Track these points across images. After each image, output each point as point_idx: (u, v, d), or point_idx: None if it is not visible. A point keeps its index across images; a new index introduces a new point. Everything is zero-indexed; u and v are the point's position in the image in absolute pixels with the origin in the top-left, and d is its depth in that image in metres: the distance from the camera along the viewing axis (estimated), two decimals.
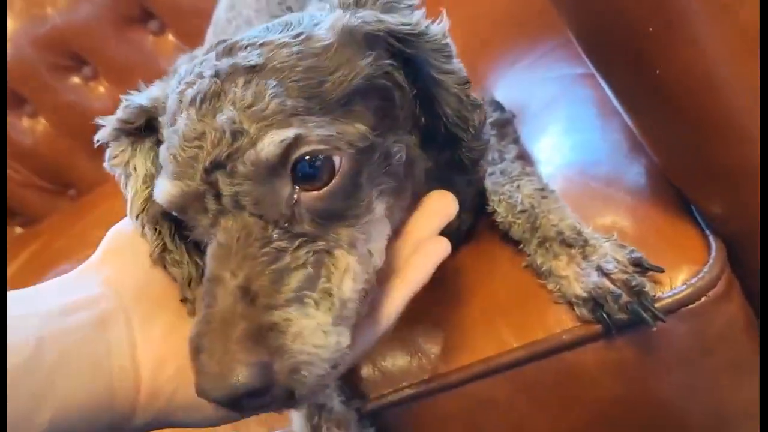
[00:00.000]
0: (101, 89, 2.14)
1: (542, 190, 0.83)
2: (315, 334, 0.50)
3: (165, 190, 0.55)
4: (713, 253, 0.73)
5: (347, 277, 0.54)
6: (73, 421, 0.45)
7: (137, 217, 0.61)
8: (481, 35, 1.32)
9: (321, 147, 0.53)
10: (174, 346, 0.51)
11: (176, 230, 0.61)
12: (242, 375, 0.45)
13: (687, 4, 0.57)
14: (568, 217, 0.79)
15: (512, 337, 0.78)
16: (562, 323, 0.76)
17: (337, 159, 0.55)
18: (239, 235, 0.52)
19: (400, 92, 0.64)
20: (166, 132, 0.58)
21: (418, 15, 0.64)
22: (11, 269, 1.91)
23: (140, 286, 0.53)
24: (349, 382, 0.85)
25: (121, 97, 0.66)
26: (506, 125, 0.95)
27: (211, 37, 1.22)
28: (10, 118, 2.18)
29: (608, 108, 0.99)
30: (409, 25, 0.61)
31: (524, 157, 0.92)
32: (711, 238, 0.75)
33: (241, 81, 0.55)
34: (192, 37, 2.00)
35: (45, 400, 0.43)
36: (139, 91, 0.68)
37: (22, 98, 2.17)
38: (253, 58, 0.56)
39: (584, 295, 0.73)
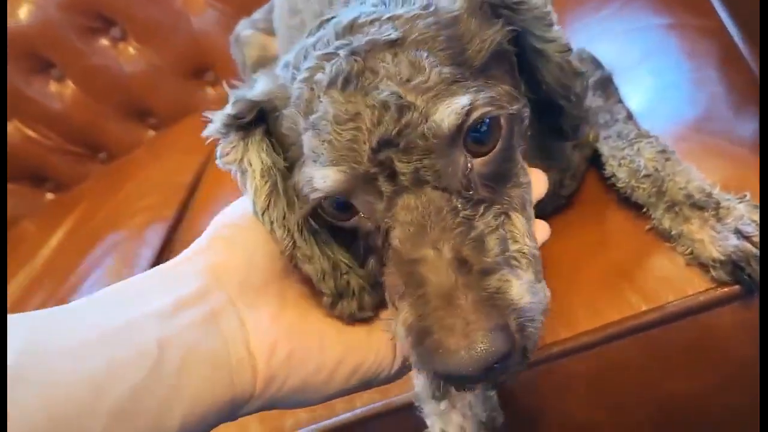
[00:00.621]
0: (131, 50, 2.10)
1: (664, 152, 0.80)
2: (529, 292, 0.50)
3: (330, 177, 0.53)
4: None
5: (527, 236, 0.55)
6: (200, 418, 0.45)
7: (263, 213, 0.58)
8: None
9: (489, 109, 0.52)
10: (282, 331, 0.51)
11: (304, 224, 0.59)
12: (490, 342, 0.45)
13: None
14: (695, 179, 0.77)
15: (641, 300, 0.77)
16: (694, 285, 0.75)
17: (501, 122, 0.54)
18: (428, 210, 0.51)
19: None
20: (302, 122, 0.55)
21: None
22: (57, 235, 1.88)
23: (242, 274, 0.52)
24: None
25: (230, 92, 0.62)
26: (608, 84, 0.92)
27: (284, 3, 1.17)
28: (38, 84, 2.14)
29: (703, 60, 0.97)
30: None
31: (632, 117, 0.89)
32: None
33: (388, 56, 0.53)
34: None
35: (174, 403, 0.43)
36: (244, 83, 0.65)
37: (48, 62, 2.13)
38: (389, 32, 0.54)
39: (723, 258, 0.71)
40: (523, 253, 0.53)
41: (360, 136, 0.51)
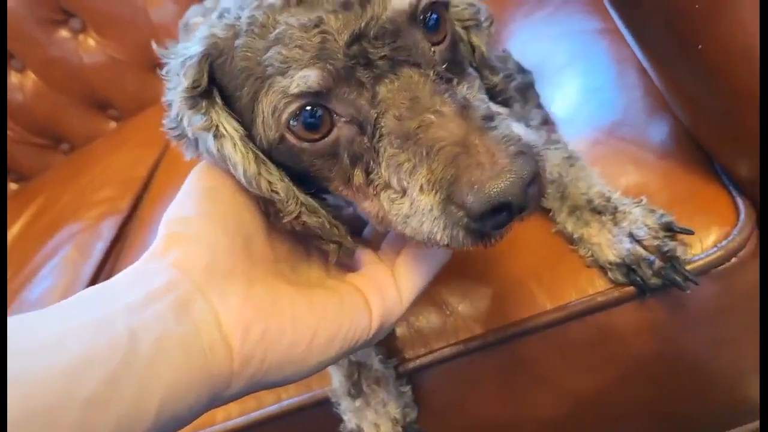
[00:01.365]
0: (90, 42, 2.10)
1: (569, 158, 0.84)
2: (529, 132, 0.53)
3: (309, 76, 0.54)
4: (742, 215, 0.76)
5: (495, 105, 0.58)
6: (178, 402, 0.46)
7: (255, 178, 0.59)
8: None
9: None
10: (253, 311, 0.52)
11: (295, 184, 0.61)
12: (520, 165, 0.48)
13: None
14: (596, 184, 0.81)
15: (546, 299, 0.81)
16: (595, 285, 0.79)
17: (444, 13, 0.59)
18: (411, 84, 0.54)
19: None
20: (261, 43, 0.56)
21: None
22: (17, 226, 1.90)
23: (207, 264, 0.53)
24: (387, 342, 0.87)
25: (165, 53, 0.65)
26: (528, 89, 0.96)
27: None
28: None
29: (627, 65, 1.01)
30: None
31: (548, 122, 0.93)
32: (738, 200, 0.77)
33: None
34: None
35: (150, 388, 0.44)
36: (168, 47, 0.67)
37: (9, 53, 2.12)
38: None
39: (617, 260, 0.76)
40: (503, 111, 0.56)
41: (329, 37, 0.54)
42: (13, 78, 2.17)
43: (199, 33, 0.62)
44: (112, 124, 2.25)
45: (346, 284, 0.59)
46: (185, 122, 0.61)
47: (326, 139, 0.57)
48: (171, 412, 0.45)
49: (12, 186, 2.36)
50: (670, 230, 0.75)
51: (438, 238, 0.52)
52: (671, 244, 0.74)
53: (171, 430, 0.47)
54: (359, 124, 0.56)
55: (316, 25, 0.54)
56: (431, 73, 0.55)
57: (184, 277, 0.51)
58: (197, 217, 0.56)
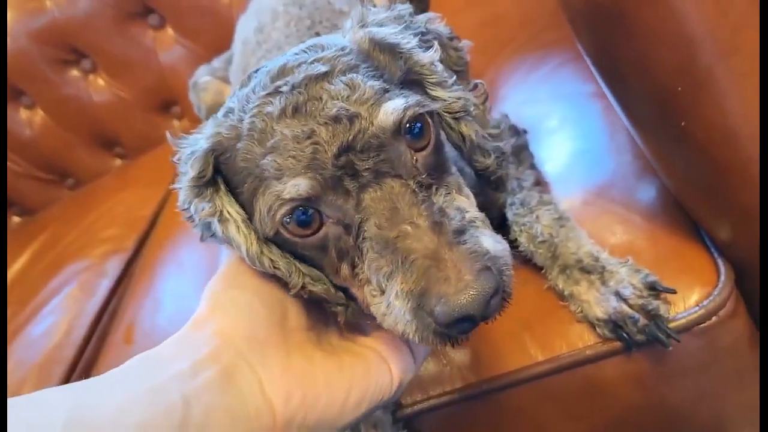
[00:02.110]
0: (100, 82, 2.16)
1: (560, 219, 0.90)
2: (496, 242, 0.59)
3: (301, 184, 0.59)
4: (722, 276, 0.81)
5: (474, 207, 0.65)
6: None
7: (259, 257, 0.64)
8: (502, 37, 1.38)
9: (419, 108, 0.62)
10: (293, 378, 0.57)
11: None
12: (483, 282, 0.54)
13: (713, 69, 0.64)
14: (585, 245, 0.86)
15: (538, 351, 0.85)
16: (584, 339, 0.83)
17: (428, 120, 0.64)
18: (393, 195, 0.59)
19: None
20: (258, 150, 0.62)
21: (408, 38, 0.69)
22: (22, 259, 1.94)
23: (248, 333, 0.58)
24: None
25: (176, 142, 0.69)
26: (522, 150, 1.02)
27: (239, 56, 1.26)
28: (8, 111, 2.20)
29: (618, 128, 1.06)
30: (398, 44, 0.68)
31: (541, 182, 0.99)
32: (719, 261, 0.82)
33: (324, 84, 0.62)
34: (191, 32, 2.05)
35: None
36: (180, 137, 0.71)
37: (19, 90, 2.19)
38: (319, 68, 0.63)
39: (604, 317, 0.81)
40: (477, 218, 0.62)
41: (320, 148, 0.59)
42: (22, 114, 2.23)
43: (207, 129, 0.68)
44: (118, 162, 2.31)
45: (367, 348, 0.64)
46: (192, 209, 0.67)
47: (316, 235, 0.63)
48: None
49: (15, 219, 2.41)
50: (655, 289, 0.80)
51: (411, 337, 0.58)
52: (655, 303, 0.79)
53: None
54: (345, 226, 0.62)
55: (309, 137, 0.60)
56: (412, 182, 0.61)
57: (227, 346, 0.55)
58: (238, 290, 0.62)
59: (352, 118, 0.59)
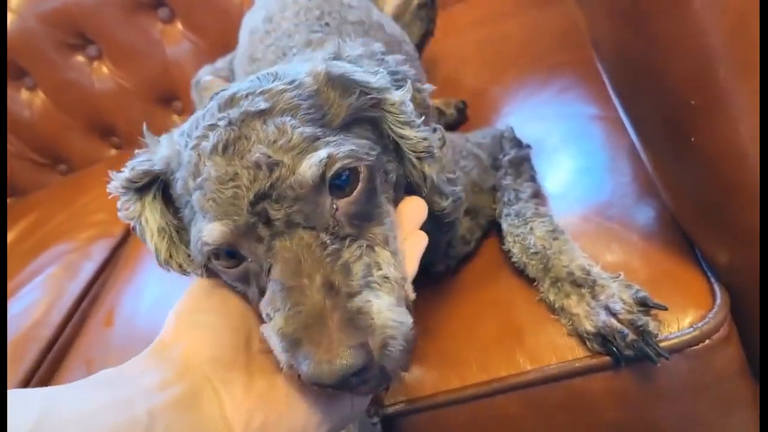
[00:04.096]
0: (104, 70, 2.16)
1: (553, 231, 0.90)
2: (391, 312, 0.58)
3: (215, 230, 0.62)
4: (718, 299, 0.80)
5: (392, 265, 0.63)
6: None
7: (167, 263, 0.74)
8: (507, 56, 1.39)
9: (348, 160, 0.62)
10: (254, 401, 0.57)
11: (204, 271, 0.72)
12: (349, 357, 0.53)
13: (730, 84, 0.64)
14: (577, 258, 0.86)
15: (527, 361, 0.84)
16: (575, 352, 0.82)
17: (360, 170, 0.64)
18: (301, 247, 0.60)
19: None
20: (191, 183, 0.65)
21: (380, 75, 0.70)
22: (7, 238, 1.92)
23: (213, 356, 0.58)
24: None
25: (131, 158, 0.75)
26: (523, 162, 1.02)
27: (245, 45, 1.26)
28: (9, 91, 2.19)
29: (619, 151, 1.07)
30: (369, 83, 0.69)
31: (539, 195, 0.99)
32: (716, 285, 0.82)
33: (258, 123, 0.63)
34: (200, 29, 2.05)
35: None
36: (147, 148, 0.76)
37: (22, 70, 2.18)
38: (260, 103, 0.64)
39: (593, 331, 0.80)
40: (386, 278, 0.61)
41: (240, 192, 0.60)
42: (23, 95, 2.22)
43: (163, 145, 0.73)
44: (113, 152, 2.29)
45: None
46: (119, 204, 0.74)
47: (238, 268, 0.65)
48: None
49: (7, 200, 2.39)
50: (645, 305, 0.80)
51: (285, 371, 0.59)
52: (644, 318, 0.78)
53: None
54: (261, 265, 0.63)
55: (231, 179, 0.61)
56: (324, 234, 0.61)
57: (193, 368, 0.56)
58: (203, 313, 0.63)
59: (272, 165, 0.60)
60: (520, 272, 0.92)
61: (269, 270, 0.61)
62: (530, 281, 0.90)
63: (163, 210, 0.73)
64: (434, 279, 0.97)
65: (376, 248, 0.63)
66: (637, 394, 0.81)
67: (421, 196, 0.75)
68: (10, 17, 2.08)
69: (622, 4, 0.67)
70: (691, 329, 0.79)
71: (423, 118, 0.72)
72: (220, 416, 0.54)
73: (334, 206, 0.62)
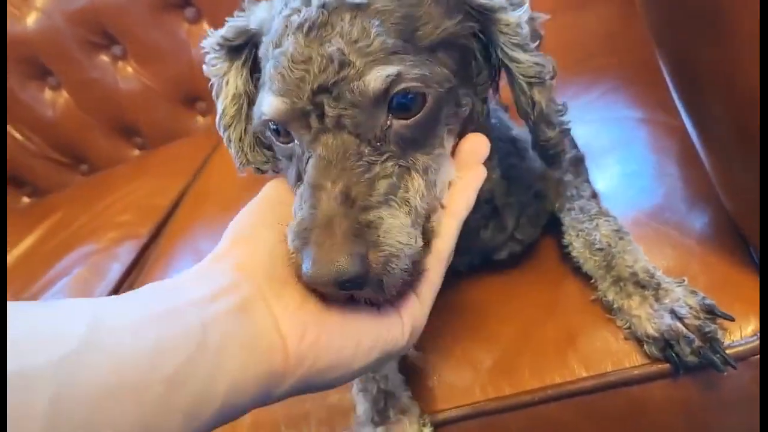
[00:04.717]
0: (129, 69, 2.16)
1: (618, 231, 0.88)
2: (401, 232, 0.57)
3: (273, 105, 0.63)
4: None
5: (420, 194, 0.62)
6: (239, 393, 0.50)
7: (225, 130, 0.78)
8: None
9: (416, 84, 0.61)
10: (308, 317, 0.56)
11: (256, 141, 0.79)
12: (346, 263, 0.53)
13: None
14: (641, 260, 0.84)
15: (582, 367, 0.82)
16: (631, 358, 0.80)
17: (428, 97, 0.63)
18: (339, 150, 0.60)
19: (476, 59, 0.71)
20: (271, 51, 0.65)
21: None
22: (31, 238, 1.91)
23: (267, 269, 0.57)
24: (415, 391, 0.88)
25: (228, 20, 0.76)
26: (579, 163, 1.00)
27: None
28: (33, 89, 2.19)
29: (666, 155, 1.05)
30: (486, 2, 0.67)
31: (596, 197, 0.97)
32: None
33: (347, 16, 0.61)
34: None
35: (218, 377, 0.48)
36: (244, 11, 0.76)
37: (47, 70, 2.17)
38: None
39: (656, 335, 0.78)
40: (407, 201, 0.60)
41: (307, 77, 0.60)
42: (47, 94, 2.21)
43: (261, 8, 0.73)
44: (136, 152, 2.29)
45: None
46: (208, 59, 0.77)
47: (288, 145, 0.67)
48: (233, 400, 0.49)
49: (25, 200, 2.38)
50: (712, 313, 0.78)
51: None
52: (712, 326, 0.76)
53: (230, 418, 0.50)
54: (302, 151, 0.63)
55: (304, 62, 0.61)
56: (365, 145, 0.60)
57: (245, 279, 0.55)
58: (262, 227, 0.62)
59: (343, 63, 0.60)
60: (574, 271, 0.90)
61: (307, 161, 0.62)
62: (585, 281, 0.88)
63: (246, 78, 0.75)
64: (496, 268, 0.96)
65: (412, 173, 0.62)
66: (699, 403, 0.79)
67: (527, 124, 0.74)
68: (35, 15, 2.08)
69: (697, 10, 0.66)
70: (754, 337, 0.77)
71: (537, 43, 0.70)
72: (274, 330, 0.53)
73: (388, 123, 0.62)
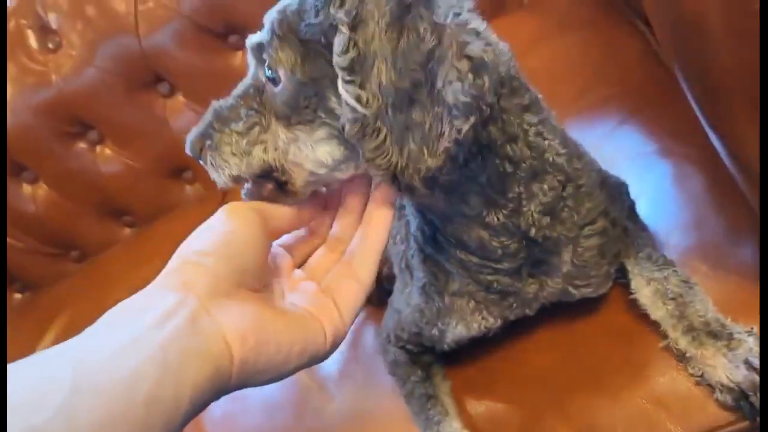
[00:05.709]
0: (108, 152, 2.11)
1: (687, 281, 0.91)
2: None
3: None
4: None
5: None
6: (199, 397, 0.57)
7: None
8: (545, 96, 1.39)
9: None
10: (247, 325, 0.63)
11: None
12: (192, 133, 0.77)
13: None
14: (711, 310, 0.88)
15: (679, 428, 0.86)
16: (726, 415, 0.84)
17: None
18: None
19: None
20: None
21: None
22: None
23: (210, 286, 0.64)
24: None
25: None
26: (634, 210, 1.03)
27: None
28: (10, 187, 2.12)
29: (694, 187, 1.08)
30: None
31: (657, 244, 1.00)
32: None
33: None
34: (203, 98, 2.00)
35: (182, 389, 0.55)
36: None
37: (21, 166, 2.12)
38: None
39: (731, 385, 0.82)
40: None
41: None
42: (24, 189, 2.16)
43: None
44: (127, 231, 2.25)
45: (301, 308, 0.72)
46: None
47: None
48: (196, 402, 0.57)
49: (17, 296, 2.32)
50: None
51: None
52: None
53: (194, 416, 0.58)
54: None
55: None
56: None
57: (192, 294, 0.62)
58: (209, 254, 0.68)
59: None
60: (640, 320, 0.93)
61: None
62: (654, 328, 0.91)
63: None
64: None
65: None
66: None
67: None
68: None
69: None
70: None
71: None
72: (220, 335, 0.61)
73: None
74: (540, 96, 0.80)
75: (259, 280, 0.71)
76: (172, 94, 2.04)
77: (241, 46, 1.95)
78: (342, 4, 0.63)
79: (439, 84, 0.60)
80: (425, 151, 0.63)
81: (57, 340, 1.76)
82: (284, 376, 0.68)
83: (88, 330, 0.58)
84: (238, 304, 0.65)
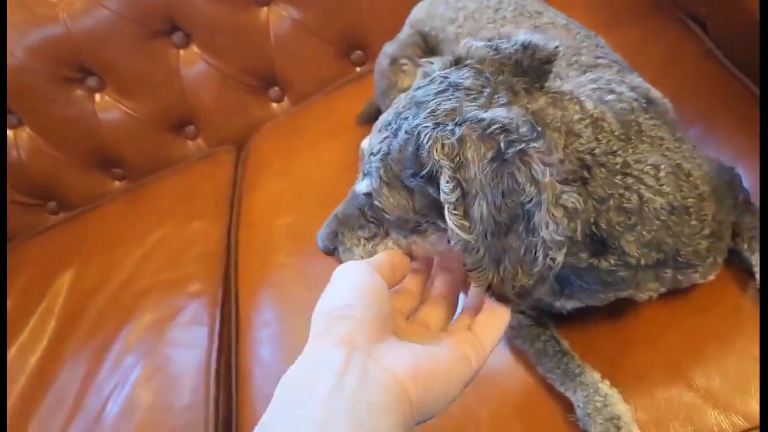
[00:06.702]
0: (107, 100, 2.01)
1: None
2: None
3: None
4: None
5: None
6: None
7: None
8: None
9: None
10: (410, 363, 0.66)
11: None
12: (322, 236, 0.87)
13: None
14: None
15: None
16: None
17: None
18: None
19: None
20: None
21: None
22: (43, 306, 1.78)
23: (365, 334, 0.66)
24: None
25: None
26: (747, 202, 1.03)
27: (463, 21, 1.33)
28: None
29: None
30: None
31: None
32: None
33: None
34: (220, 52, 1.97)
35: None
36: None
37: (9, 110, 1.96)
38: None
39: None
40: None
41: None
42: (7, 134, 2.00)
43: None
44: (116, 184, 2.14)
45: (446, 336, 0.75)
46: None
47: None
48: None
49: None
50: None
51: None
52: None
53: None
54: None
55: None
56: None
57: (352, 348, 0.65)
58: (352, 306, 0.70)
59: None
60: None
61: None
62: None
63: None
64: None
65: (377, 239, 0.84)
66: None
67: None
68: None
69: None
70: None
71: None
72: (395, 382, 0.64)
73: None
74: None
75: (392, 326, 0.72)
76: (187, 44, 1.95)
77: (269, 1, 1.89)
78: (443, 148, 0.69)
79: (536, 221, 0.67)
80: (519, 271, 0.70)
81: (66, 304, 1.69)
82: (444, 409, 0.69)
83: (265, 419, 0.60)
84: (394, 347, 0.67)
